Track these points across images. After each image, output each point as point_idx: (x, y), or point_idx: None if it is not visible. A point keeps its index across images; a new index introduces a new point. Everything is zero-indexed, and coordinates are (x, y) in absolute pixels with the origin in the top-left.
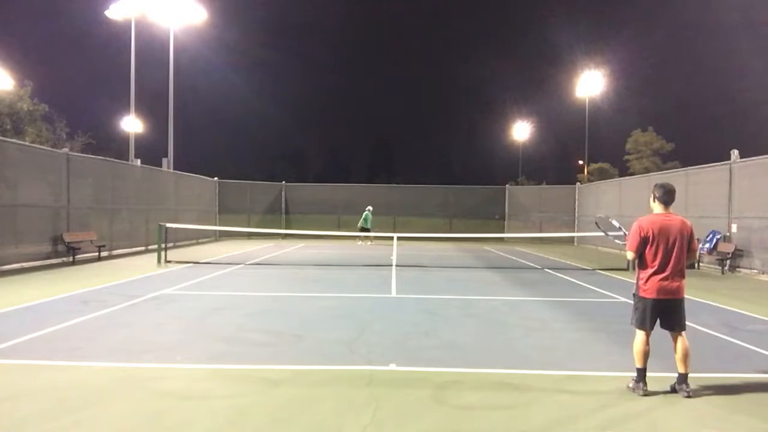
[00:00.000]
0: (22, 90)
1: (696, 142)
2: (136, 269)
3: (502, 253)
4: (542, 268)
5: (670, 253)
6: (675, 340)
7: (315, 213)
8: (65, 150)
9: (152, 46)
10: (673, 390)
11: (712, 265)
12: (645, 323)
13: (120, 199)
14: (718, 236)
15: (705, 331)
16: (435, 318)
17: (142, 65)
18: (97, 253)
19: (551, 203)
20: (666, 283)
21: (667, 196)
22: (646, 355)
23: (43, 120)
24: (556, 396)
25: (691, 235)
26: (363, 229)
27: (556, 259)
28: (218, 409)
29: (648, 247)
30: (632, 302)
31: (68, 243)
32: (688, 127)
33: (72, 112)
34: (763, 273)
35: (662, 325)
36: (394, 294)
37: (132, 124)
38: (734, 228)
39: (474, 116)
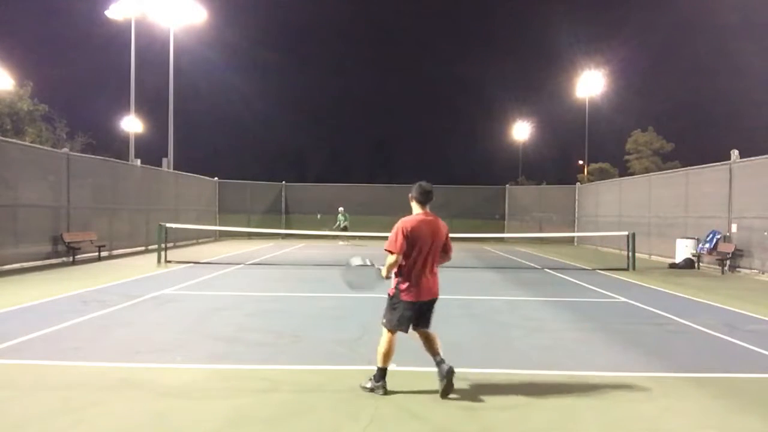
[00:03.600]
0: (22, 90)
1: (696, 142)
2: (136, 269)
3: (502, 253)
4: (542, 268)
5: (430, 253)
6: (425, 335)
7: (315, 213)
8: (65, 150)
9: (152, 47)
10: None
11: (712, 265)
12: (402, 325)
13: (120, 199)
14: (718, 236)
15: (705, 331)
16: (435, 318)
17: (142, 65)
18: (97, 253)
19: (551, 203)
20: (429, 284)
21: (424, 196)
22: (391, 356)
23: (43, 120)
24: (556, 396)
25: (447, 236)
26: (344, 228)
27: (556, 259)
28: (218, 409)
29: (411, 248)
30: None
31: (68, 243)
32: (688, 127)
33: (72, 112)
34: (763, 273)
35: (418, 325)
36: None
37: (132, 124)
38: (734, 228)
39: (474, 116)
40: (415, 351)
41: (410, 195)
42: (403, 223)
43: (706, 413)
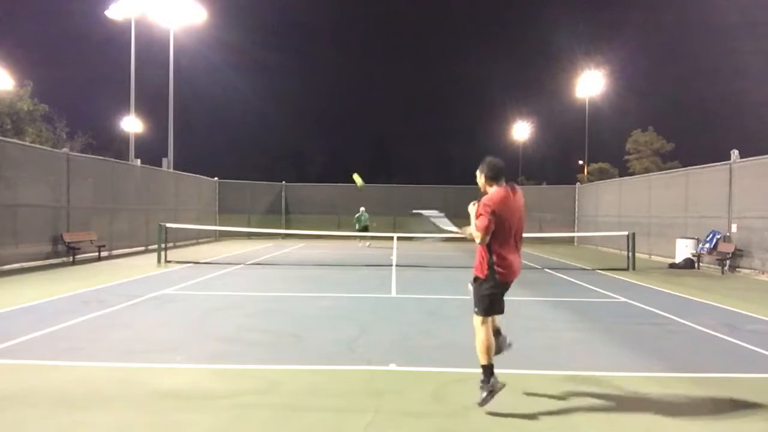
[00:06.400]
0: (22, 90)
1: (696, 142)
2: (136, 269)
3: None
4: (542, 268)
5: (517, 230)
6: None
7: (315, 213)
8: (65, 150)
9: (152, 47)
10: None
11: (712, 265)
12: (495, 309)
13: (120, 199)
14: (718, 236)
15: (705, 331)
16: (435, 318)
17: (142, 65)
18: (97, 253)
19: (551, 203)
20: (518, 263)
21: (495, 171)
22: (492, 348)
23: (43, 120)
24: (556, 396)
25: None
26: (364, 228)
27: (556, 259)
28: (218, 409)
29: (500, 226)
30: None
31: (68, 243)
32: (688, 127)
33: (72, 112)
34: (763, 273)
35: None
36: (394, 294)
37: (132, 124)
38: (734, 228)
39: (474, 116)
40: (413, 350)
41: (483, 175)
42: (487, 199)
43: (706, 413)
